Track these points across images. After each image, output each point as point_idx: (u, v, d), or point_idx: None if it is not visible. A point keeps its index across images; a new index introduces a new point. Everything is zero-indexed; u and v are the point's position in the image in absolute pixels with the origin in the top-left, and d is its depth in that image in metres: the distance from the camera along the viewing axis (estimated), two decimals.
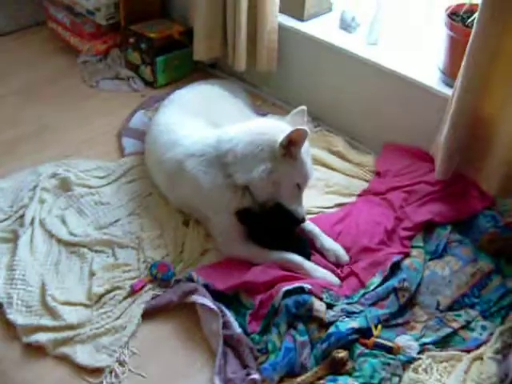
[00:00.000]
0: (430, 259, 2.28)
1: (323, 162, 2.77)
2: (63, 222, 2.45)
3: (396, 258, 2.21)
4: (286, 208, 2.24)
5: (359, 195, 2.61)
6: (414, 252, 2.28)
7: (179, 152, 2.35)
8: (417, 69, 2.62)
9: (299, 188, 2.24)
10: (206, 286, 2.13)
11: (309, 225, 2.34)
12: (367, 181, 2.69)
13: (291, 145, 2.15)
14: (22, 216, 2.45)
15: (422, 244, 2.32)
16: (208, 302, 2.06)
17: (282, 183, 2.20)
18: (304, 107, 2.34)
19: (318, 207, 2.55)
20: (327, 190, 2.63)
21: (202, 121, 2.57)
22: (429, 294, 2.16)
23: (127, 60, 3.37)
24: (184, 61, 3.32)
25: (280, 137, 2.15)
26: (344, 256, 2.28)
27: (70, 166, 2.70)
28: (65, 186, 2.59)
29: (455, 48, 2.41)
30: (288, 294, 2.04)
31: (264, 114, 3.05)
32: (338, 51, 2.80)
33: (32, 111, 3.10)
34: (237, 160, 2.20)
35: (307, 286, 2.07)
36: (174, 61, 3.29)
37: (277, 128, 2.24)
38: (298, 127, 2.12)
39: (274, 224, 2.26)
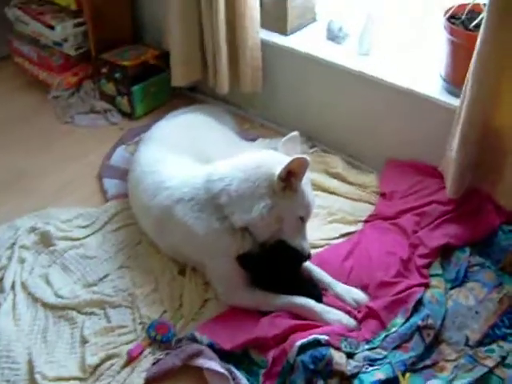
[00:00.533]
0: (452, 287, 2.09)
1: (323, 186, 2.57)
2: (47, 281, 2.23)
3: (419, 294, 2.01)
4: (290, 244, 2.04)
5: (366, 221, 2.41)
6: (434, 281, 2.09)
7: (166, 197, 2.14)
8: (416, 78, 2.42)
9: (302, 221, 2.04)
10: (212, 346, 1.92)
11: (317, 272, 2.15)
12: (372, 203, 2.49)
13: (291, 176, 1.95)
14: (1, 279, 2.23)
15: (440, 271, 2.12)
16: (216, 365, 1.84)
17: (284, 219, 2.00)
18: (296, 133, 2.14)
19: (322, 239, 2.34)
20: (330, 218, 2.43)
21: (188, 156, 2.36)
22: (455, 329, 1.96)
23: (102, 91, 3.14)
24: (162, 87, 3.10)
25: (277, 169, 1.94)
26: (363, 298, 2.07)
27: (50, 217, 2.48)
28: (45, 240, 2.37)
29: (457, 53, 2.22)
30: (303, 348, 1.84)
31: (253, 139, 2.85)
32: (328, 64, 2.60)
33: (3, 156, 2.88)
34: (232, 200, 1.99)
35: (323, 337, 1.86)
36: (151, 88, 3.08)
37: (272, 159, 2.03)
38: (298, 156, 1.91)
39: (278, 264, 2.06)
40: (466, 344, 1.91)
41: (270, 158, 2.06)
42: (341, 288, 2.10)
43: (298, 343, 1.84)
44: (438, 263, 2.15)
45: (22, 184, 2.71)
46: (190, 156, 2.36)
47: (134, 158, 2.47)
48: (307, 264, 2.15)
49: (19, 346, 1.99)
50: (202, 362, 1.87)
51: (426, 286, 2.07)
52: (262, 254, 2.04)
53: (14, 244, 2.34)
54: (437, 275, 2.11)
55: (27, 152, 2.90)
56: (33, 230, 2.40)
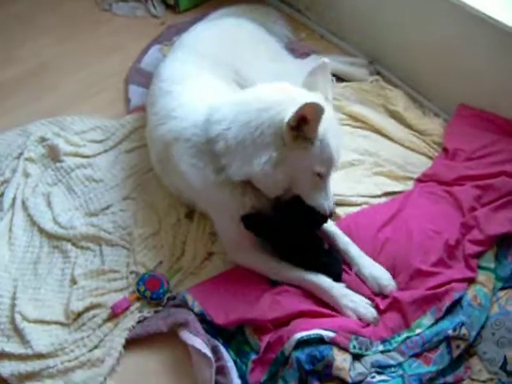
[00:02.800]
0: (502, 288, 1.71)
1: (376, 126, 2.15)
2: (48, 203, 2.04)
3: (458, 294, 1.65)
4: (307, 203, 1.69)
5: (418, 180, 2.00)
6: (481, 276, 1.72)
7: (169, 129, 1.80)
8: None
9: (321, 177, 1.65)
10: (203, 315, 1.69)
11: (342, 239, 1.79)
12: (430, 157, 2.07)
13: (304, 123, 1.53)
14: (2, 194, 2.06)
15: (493, 265, 1.74)
16: (200, 344, 1.61)
17: (296, 175, 1.62)
18: (326, 60, 1.68)
19: (361, 195, 1.98)
20: (376, 169, 2.04)
21: (219, 73, 1.99)
22: (494, 344, 1.61)
23: None
24: None
25: (288, 113, 1.52)
26: (389, 285, 1.72)
27: (64, 126, 2.25)
28: (53, 155, 2.15)
29: None
30: (302, 342, 1.56)
31: (306, 54, 2.40)
32: None
33: (32, 43, 2.62)
34: (229, 148, 1.62)
35: (328, 333, 1.57)
36: None
37: (285, 98, 1.58)
38: (309, 101, 1.48)
39: (292, 227, 1.73)
40: (503, 368, 1.57)
41: (282, 96, 1.60)
42: (367, 265, 1.76)
43: (298, 336, 1.57)
44: (491, 254, 1.76)
45: (44, 79, 2.48)
46: (223, 73, 2.01)
47: (157, 69, 2.10)
48: (332, 228, 1.82)
49: (7, 277, 1.86)
50: (187, 336, 1.64)
51: (471, 281, 1.70)
52: (272, 214, 1.71)
53: (21, 154, 2.15)
54: (487, 269, 1.73)
55: (57, 40, 2.63)
56: (42, 140, 2.19)
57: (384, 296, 1.72)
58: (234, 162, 1.62)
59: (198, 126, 1.70)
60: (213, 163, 1.66)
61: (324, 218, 1.74)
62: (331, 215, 1.72)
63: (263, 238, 1.77)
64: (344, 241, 1.80)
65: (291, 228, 1.74)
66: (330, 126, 1.59)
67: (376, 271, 1.75)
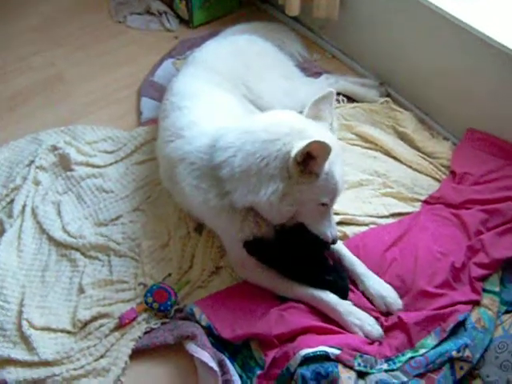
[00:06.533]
0: (506, 311, 1.73)
1: (385, 147, 2.17)
2: (58, 212, 2.06)
3: (462, 315, 1.67)
4: (311, 230, 1.72)
5: (425, 202, 2.02)
6: (486, 300, 1.74)
7: (176, 148, 1.81)
8: None
9: (326, 206, 1.67)
10: (210, 329, 1.70)
11: (349, 258, 1.81)
12: (438, 180, 2.09)
13: (310, 159, 1.55)
14: (10, 202, 2.08)
15: (497, 289, 1.77)
16: (207, 357, 1.62)
17: (302, 206, 1.64)
18: (332, 90, 1.71)
19: (369, 215, 2.00)
20: (384, 190, 2.06)
21: (231, 91, 2.03)
22: (497, 367, 1.62)
23: None
24: None
25: (295, 147, 1.53)
26: (396, 304, 1.74)
27: (76, 136, 2.28)
28: (64, 164, 2.17)
29: None
30: (308, 359, 1.58)
31: (318, 73, 2.43)
32: (420, 3, 2.08)
33: (47, 54, 2.66)
34: (234, 176, 1.63)
35: (333, 351, 1.58)
36: None
37: (291, 131, 1.59)
38: (317, 139, 1.49)
39: (296, 251, 1.75)
40: None
41: (288, 128, 1.60)
42: (373, 284, 1.78)
43: (303, 352, 1.58)
44: (496, 278, 1.78)
45: (57, 89, 2.51)
46: (235, 89, 2.06)
47: (170, 83, 2.13)
48: (339, 247, 1.84)
49: (14, 284, 1.87)
50: (194, 349, 1.66)
51: (476, 303, 1.72)
52: (274, 240, 1.74)
53: (32, 162, 2.17)
54: (492, 292, 1.76)
55: (71, 51, 2.67)
56: (54, 148, 2.21)
57: (388, 314, 1.73)
58: (238, 189, 1.63)
59: (203, 150, 1.72)
60: (217, 187, 1.68)
61: (327, 245, 1.77)
62: (334, 242, 1.75)
63: (266, 263, 1.79)
64: (350, 259, 1.82)
65: (294, 252, 1.76)
66: (335, 158, 1.60)
67: (383, 290, 1.76)
